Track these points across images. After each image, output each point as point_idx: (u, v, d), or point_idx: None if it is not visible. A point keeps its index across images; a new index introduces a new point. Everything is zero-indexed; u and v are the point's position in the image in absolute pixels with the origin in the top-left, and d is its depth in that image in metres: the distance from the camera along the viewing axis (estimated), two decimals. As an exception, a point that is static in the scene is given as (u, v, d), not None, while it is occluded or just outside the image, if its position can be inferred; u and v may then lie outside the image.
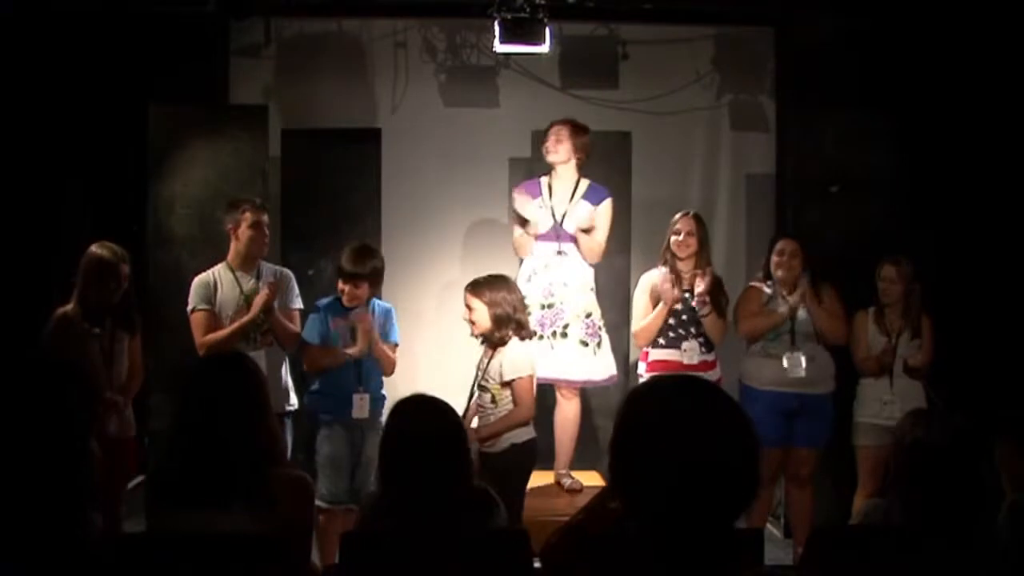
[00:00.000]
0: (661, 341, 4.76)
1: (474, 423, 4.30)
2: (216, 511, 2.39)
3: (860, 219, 5.37)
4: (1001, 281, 5.36)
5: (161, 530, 2.48)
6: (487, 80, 6.08)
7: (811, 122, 5.58)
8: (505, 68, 6.05)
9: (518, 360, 4.25)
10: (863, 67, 5.59)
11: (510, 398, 4.23)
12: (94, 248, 4.38)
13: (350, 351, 4.47)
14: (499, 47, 5.36)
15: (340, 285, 4.54)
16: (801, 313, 4.69)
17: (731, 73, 6.14)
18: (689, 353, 4.72)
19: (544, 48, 5.36)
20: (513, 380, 4.20)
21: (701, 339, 4.75)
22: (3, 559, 2.08)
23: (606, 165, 5.65)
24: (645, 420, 1.64)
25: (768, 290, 4.79)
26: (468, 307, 4.23)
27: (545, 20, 5.25)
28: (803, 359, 4.62)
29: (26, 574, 2.08)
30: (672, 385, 1.71)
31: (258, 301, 4.48)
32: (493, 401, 4.23)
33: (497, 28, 5.25)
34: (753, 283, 4.90)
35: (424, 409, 2.77)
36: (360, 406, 4.48)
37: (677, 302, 4.71)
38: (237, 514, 2.39)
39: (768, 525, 5.19)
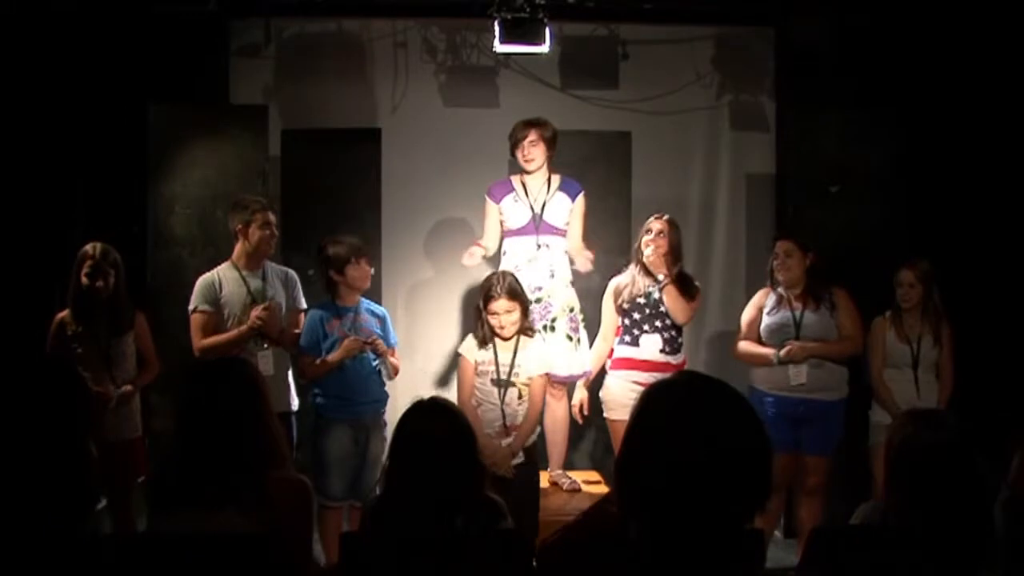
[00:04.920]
0: (626, 338, 4.68)
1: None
2: (213, 512, 2.39)
3: (860, 219, 5.37)
4: (1003, 281, 5.36)
5: (160, 530, 2.49)
6: (487, 80, 6.07)
7: (811, 122, 5.58)
8: (505, 68, 6.04)
9: (542, 356, 4.36)
10: (863, 67, 5.60)
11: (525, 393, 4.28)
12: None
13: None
14: (499, 47, 5.36)
15: (350, 271, 4.50)
16: (808, 317, 4.58)
17: (731, 73, 6.13)
18: (649, 348, 4.63)
19: (544, 48, 5.36)
20: (536, 375, 4.29)
21: (666, 335, 4.63)
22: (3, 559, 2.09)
23: (606, 165, 5.66)
24: (657, 422, 1.63)
25: (774, 296, 4.68)
26: (505, 312, 4.22)
27: (545, 20, 5.25)
28: (805, 369, 4.54)
29: None
30: (685, 385, 1.69)
31: (254, 315, 4.44)
32: (520, 397, 4.28)
33: (497, 28, 5.25)
34: (759, 294, 4.79)
35: (436, 413, 2.78)
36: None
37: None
38: (234, 515, 2.39)
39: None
